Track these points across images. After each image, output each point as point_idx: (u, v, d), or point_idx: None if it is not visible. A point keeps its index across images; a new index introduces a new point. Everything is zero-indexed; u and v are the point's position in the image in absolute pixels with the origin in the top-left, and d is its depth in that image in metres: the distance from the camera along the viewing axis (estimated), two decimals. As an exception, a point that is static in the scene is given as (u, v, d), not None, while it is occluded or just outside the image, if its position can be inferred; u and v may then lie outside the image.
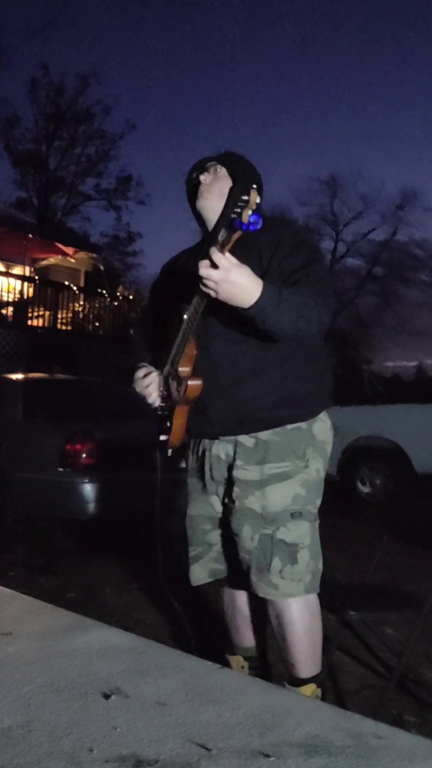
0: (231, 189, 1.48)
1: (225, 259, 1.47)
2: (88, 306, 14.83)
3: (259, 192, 1.66)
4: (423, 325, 26.04)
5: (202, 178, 1.88)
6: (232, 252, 1.50)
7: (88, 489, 4.59)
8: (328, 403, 1.87)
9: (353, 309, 25.90)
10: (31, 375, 6.85)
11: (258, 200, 1.43)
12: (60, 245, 15.10)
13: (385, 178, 61.22)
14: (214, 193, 1.83)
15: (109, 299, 15.15)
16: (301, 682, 1.79)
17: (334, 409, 1.90)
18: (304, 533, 1.77)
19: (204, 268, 1.48)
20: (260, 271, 1.62)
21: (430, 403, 6.81)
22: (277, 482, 1.76)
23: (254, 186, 1.44)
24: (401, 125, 60.43)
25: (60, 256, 15.32)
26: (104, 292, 15.26)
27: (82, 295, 14.85)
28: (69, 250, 15.17)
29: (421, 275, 26.34)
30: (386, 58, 55.53)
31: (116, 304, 15.28)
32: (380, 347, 26.88)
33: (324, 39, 53.71)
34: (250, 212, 1.42)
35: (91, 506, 4.58)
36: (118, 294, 16.57)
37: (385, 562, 2.69)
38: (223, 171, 1.88)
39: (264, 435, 1.78)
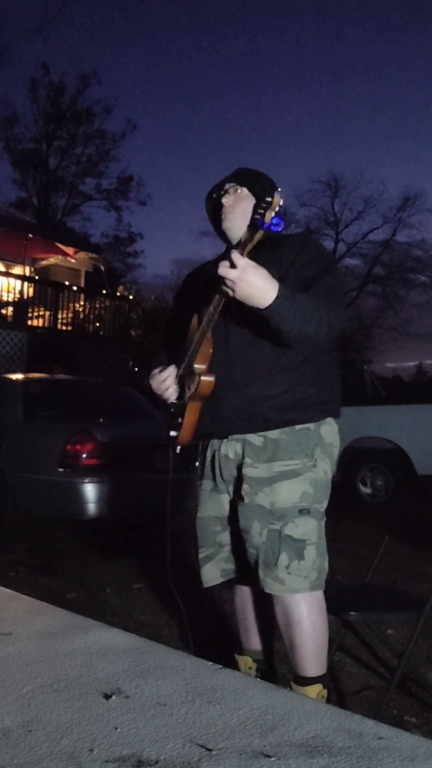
0: (257, 196, 1.57)
1: (243, 260, 1.54)
2: (88, 306, 14.81)
3: None
4: (424, 326, 26.09)
5: (224, 200, 1.94)
6: (256, 256, 1.58)
7: (89, 489, 4.59)
8: (336, 413, 1.91)
9: (354, 310, 25.89)
10: (31, 375, 6.86)
11: (281, 203, 1.50)
12: (60, 245, 15.07)
13: (386, 179, 61.37)
14: (238, 214, 1.90)
15: (109, 299, 15.14)
16: (307, 682, 1.79)
17: None
18: (311, 530, 1.80)
19: (223, 268, 1.55)
20: (278, 278, 1.69)
21: (430, 404, 6.80)
22: (286, 479, 1.79)
23: (279, 189, 1.53)
24: (403, 126, 60.48)
25: (60, 256, 15.29)
26: (104, 292, 15.25)
27: (82, 295, 14.84)
28: (69, 250, 15.15)
29: (421, 276, 26.38)
30: (388, 57, 55.58)
31: (116, 304, 15.27)
32: (381, 348, 26.92)
33: (325, 38, 53.76)
34: (272, 213, 1.50)
35: (92, 506, 4.58)
36: (119, 294, 16.57)
37: (386, 562, 2.69)
38: (244, 191, 1.94)
39: (273, 434, 1.81)
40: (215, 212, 1.98)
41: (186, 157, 61.72)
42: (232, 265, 1.54)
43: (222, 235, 1.98)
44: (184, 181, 61.92)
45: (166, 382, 1.88)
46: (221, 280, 1.57)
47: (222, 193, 1.96)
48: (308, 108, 56.72)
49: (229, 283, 1.56)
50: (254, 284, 1.55)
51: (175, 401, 1.84)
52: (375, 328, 26.62)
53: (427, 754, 1.22)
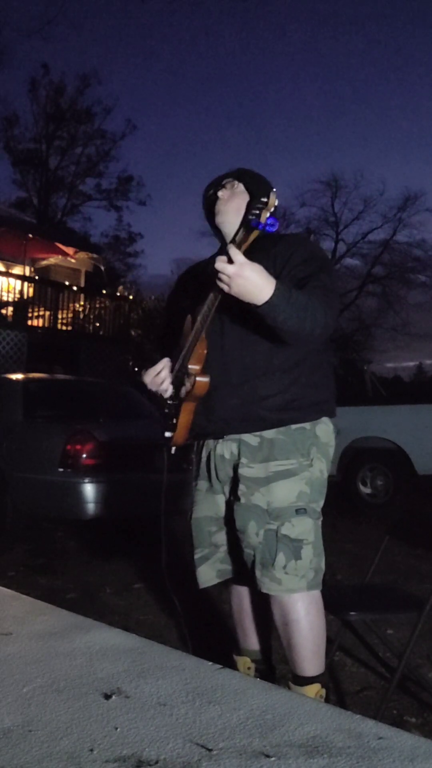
0: (252, 194, 1.58)
1: (240, 255, 1.53)
2: (88, 306, 14.82)
3: None
4: (423, 326, 26.02)
5: (220, 194, 1.94)
6: (250, 255, 1.57)
7: (89, 489, 4.60)
8: (331, 412, 1.92)
9: (354, 310, 25.90)
10: (31, 375, 6.85)
11: (276, 203, 1.52)
12: (60, 245, 15.09)
13: (386, 179, 61.35)
14: (232, 208, 1.90)
15: (109, 299, 15.15)
16: (305, 681, 1.79)
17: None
18: (308, 530, 1.80)
19: (220, 263, 1.54)
20: (274, 277, 1.68)
21: (430, 404, 6.80)
22: (282, 479, 1.79)
23: (274, 190, 1.55)
24: (403, 125, 60.48)
25: (60, 256, 15.31)
26: (104, 292, 15.26)
27: (82, 295, 14.85)
28: (69, 250, 15.16)
29: (421, 276, 26.36)
30: (388, 57, 55.58)
31: (116, 304, 15.28)
32: (381, 348, 26.91)
33: (325, 38, 53.77)
34: (267, 214, 1.52)
35: (92, 506, 4.58)
36: (119, 294, 16.57)
37: (386, 562, 2.69)
38: (240, 187, 1.95)
39: (269, 434, 1.81)
40: (210, 207, 1.98)
41: (186, 157, 61.82)
42: (230, 261, 1.53)
43: (216, 231, 1.98)
44: (184, 181, 62.01)
45: (161, 374, 1.86)
46: (218, 275, 1.56)
47: (219, 187, 1.96)
48: (308, 107, 56.72)
49: (225, 278, 1.54)
50: (251, 280, 1.53)
51: (170, 401, 1.84)
52: (375, 328, 26.60)
53: (427, 754, 1.22)
